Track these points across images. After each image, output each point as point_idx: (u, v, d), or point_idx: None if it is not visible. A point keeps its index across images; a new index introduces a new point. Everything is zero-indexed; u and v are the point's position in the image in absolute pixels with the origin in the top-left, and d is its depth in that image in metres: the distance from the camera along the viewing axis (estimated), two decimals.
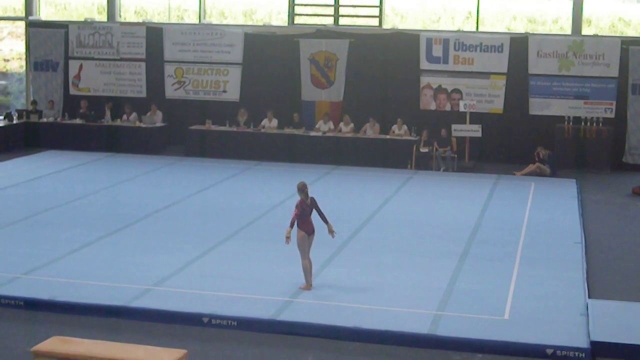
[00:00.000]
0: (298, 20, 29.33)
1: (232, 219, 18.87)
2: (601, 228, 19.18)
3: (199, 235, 17.42)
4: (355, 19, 29.32)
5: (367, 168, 25.59)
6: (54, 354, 9.45)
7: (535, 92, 27.02)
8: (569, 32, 27.66)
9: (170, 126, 28.63)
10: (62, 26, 30.47)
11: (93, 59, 30.13)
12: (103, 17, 30.82)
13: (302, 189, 14.28)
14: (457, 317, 12.84)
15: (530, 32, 27.70)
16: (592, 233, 18.53)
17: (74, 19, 31.01)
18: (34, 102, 29.80)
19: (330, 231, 14.45)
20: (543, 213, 20.25)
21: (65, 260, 15.37)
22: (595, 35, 27.35)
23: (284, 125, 27.60)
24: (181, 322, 12.69)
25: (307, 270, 14.12)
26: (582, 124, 26.47)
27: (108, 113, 28.85)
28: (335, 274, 14.96)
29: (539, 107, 27.02)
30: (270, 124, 27.60)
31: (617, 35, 27.97)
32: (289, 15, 29.25)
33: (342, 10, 29.44)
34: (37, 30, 30.76)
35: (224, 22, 30.30)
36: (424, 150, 25.99)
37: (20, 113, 29.23)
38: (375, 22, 28.81)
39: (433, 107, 27.73)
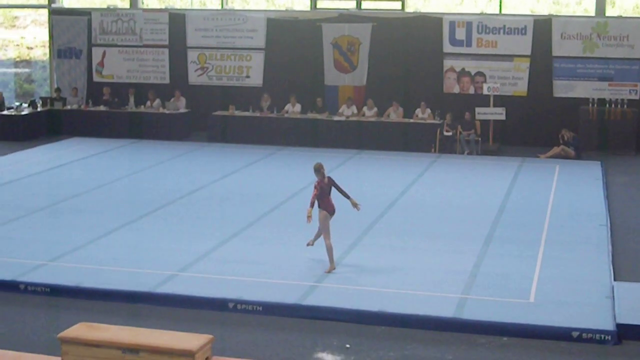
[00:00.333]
0: (320, 4, 29.27)
1: (256, 204, 18.89)
2: (626, 210, 19.07)
3: (224, 220, 17.45)
4: (377, 2, 29.20)
5: (390, 152, 25.55)
6: (81, 340, 9.49)
7: (559, 74, 26.88)
8: (592, 13, 27.46)
9: (194, 112, 28.66)
10: (85, 13, 30.54)
11: (116, 45, 30.19)
12: (126, 4, 30.85)
13: (318, 169, 14.42)
14: (483, 301, 12.81)
15: (554, 13, 27.53)
16: (617, 215, 18.44)
17: (97, 6, 31.06)
18: (58, 90, 29.91)
19: (354, 204, 14.61)
20: (568, 195, 20.17)
21: (90, 247, 15.43)
22: (620, 17, 27.13)
23: (307, 110, 27.58)
24: (206, 308, 12.72)
25: (331, 250, 14.18)
26: (607, 105, 26.32)
27: (131, 99, 28.92)
28: (359, 257, 14.96)
29: (563, 89, 26.88)
30: (293, 109, 27.58)
31: None
32: (311, 0, 29.18)
33: None
34: (60, 18, 30.83)
35: (246, 8, 30.27)
36: (447, 133, 25.92)
37: (44, 100, 29.33)
38: (397, 5, 28.68)
39: (456, 90, 27.64)
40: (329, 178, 14.53)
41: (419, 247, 15.72)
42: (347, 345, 11.42)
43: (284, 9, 29.90)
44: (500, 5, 27.96)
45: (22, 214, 17.78)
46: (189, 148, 26.09)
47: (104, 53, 30.35)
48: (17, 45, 35.60)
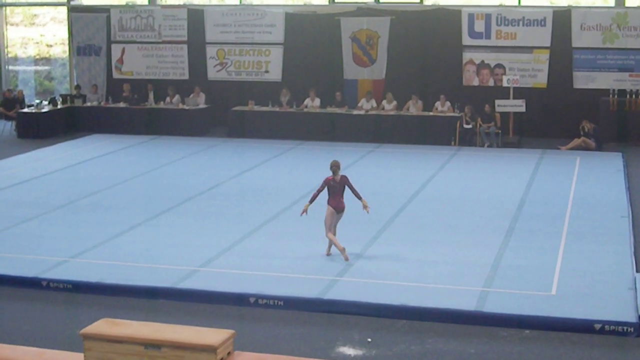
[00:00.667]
0: None
1: (276, 199, 18.89)
2: None
3: (244, 215, 17.46)
4: None
5: (410, 145, 25.51)
6: (103, 336, 9.52)
7: (579, 65, 26.78)
8: (612, 4, 27.34)
9: (213, 108, 28.69)
10: (103, 10, 30.63)
11: (135, 42, 30.27)
12: (144, 1, 30.91)
13: (331, 166, 14.74)
14: (504, 293, 12.78)
15: (573, 4, 27.41)
16: (639, 206, 18.35)
17: (116, 3, 31.09)
18: (78, 87, 30.00)
19: (365, 207, 14.76)
20: (589, 187, 20.09)
21: (111, 243, 15.48)
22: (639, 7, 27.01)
23: (326, 105, 27.58)
24: (228, 303, 12.74)
25: (333, 239, 14.46)
26: (627, 96, 26.20)
27: (151, 96, 28.98)
28: (380, 251, 14.94)
29: (583, 80, 26.78)
30: (312, 104, 27.58)
31: None
32: None
33: None
34: (79, 15, 30.94)
35: (265, 3, 30.25)
36: (467, 126, 25.86)
37: (64, 98, 29.44)
38: None
39: (476, 82, 27.59)
40: (343, 176, 14.71)
41: (440, 240, 15.69)
42: (369, 340, 11.42)
43: (302, 3, 29.86)
44: None
45: (43, 211, 17.85)
46: (208, 144, 26.12)
47: (123, 50, 30.43)
48: (37, 43, 35.70)
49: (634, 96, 26.11)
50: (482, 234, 16.06)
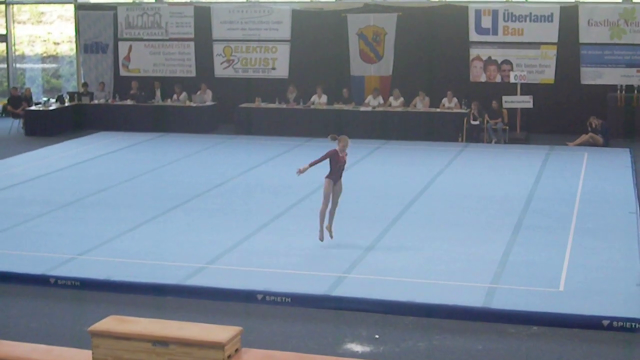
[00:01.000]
0: None
1: (284, 196, 18.89)
2: None
3: (251, 212, 17.46)
4: None
5: (417, 142, 25.51)
6: (111, 333, 9.52)
7: (586, 61, 26.74)
8: None
9: (220, 105, 28.73)
10: (110, 8, 30.67)
11: (142, 39, 30.30)
12: None
13: (339, 140, 15.07)
14: (512, 290, 12.76)
15: (580, 0, 27.36)
16: None
17: (123, 0, 31.12)
18: (85, 84, 30.05)
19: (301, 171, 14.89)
20: (597, 183, 20.06)
21: (118, 241, 15.49)
22: None
23: (333, 101, 27.58)
24: (235, 300, 12.74)
25: (322, 218, 14.73)
26: (635, 92, 26.18)
27: (158, 93, 29.01)
28: (388, 248, 14.93)
29: (590, 76, 26.75)
30: (319, 100, 27.58)
31: None
32: None
33: None
34: (86, 13, 30.98)
35: (271, 0, 30.26)
36: (474, 122, 25.84)
37: (71, 95, 29.50)
38: None
39: (483, 79, 27.57)
40: (345, 154, 15.02)
41: (447, 236, 15.67)
42: (376, 336, 11.41)
43: (308, 0, 29.87)
44: None
45: (50, 209, 17.87)
46: (215, 141, 26.14)
47: (130, 47, 30.47)
48: (44, 40, 35.78)
49: None
50: (490, 230, 16.05)
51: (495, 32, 27.29)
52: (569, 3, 27.06)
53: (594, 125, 25.21)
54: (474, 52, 27.56)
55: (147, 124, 28.00)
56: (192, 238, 15.62)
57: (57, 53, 35.99)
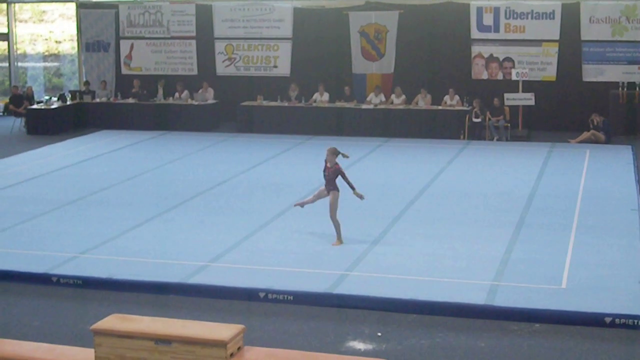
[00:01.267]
0: None
1: (286, 194, 18.89)
2: None
3: (253, 211, 17.46)
4: None
5: (419, 139, 25.50)
6: (114, 332, 9.53)
7: (588, 58, 26.74)
8: None
9: (222, 103, 28.73)
10: (112, 6, 30.68)
11: (144, 38, 30.32)
12: None
13: (331, 152, 15.09)
14: (514, 287, 12.76)
15: None
16: None
17: None
18: (87, 83, 30.06)
19: (358, 196, 15.08)
20: (599, 180, 20.05)
21: (120, 239, 15.50)
22: None
23: (335, 99, 27.57)
24: (237, 298, 12.74)
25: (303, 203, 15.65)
26: (637, 89, 26.15)
27: (160, 91, 29.02)
28: (390, 246, 14.93)
29: (592, 73, 26.74)
30: (321, 98, 27.58)
31: None
32: None
33: None
34: (87, 12, 30.99)
35: None
36: (476, 120, 25.83)
37: (73, 94, 29.50)
38: None
39: (485, 76, 27.56)
40: (337, 166, 15.05)
41: (449, 234, 15.67)
42: (379, 334, 11.42)
43: None
44: None
45: (52, 208, 17.88)
46: (217, 139, 26.15)
47: (132, 46, 30.48)
48: (46, 39, 35.78)
49: None
50: (492, 228, 16.04)
51: (496, 30, 27.28)
52: (571, 0, 27.02)
53: (595, 123, 25.20)
54: (475, 49, 27.56)
55: (149, 123, 28.00)
56: (194, 236, 15.63)
57: (58, 52, 35.98)
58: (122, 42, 30.60)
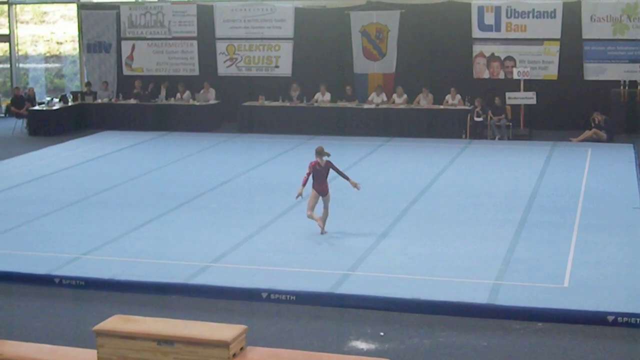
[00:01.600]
0: None
1: (288, 194, 18.86)
2: None
3: (255, 211, 17.46)
4: None
5: (421, 139, 25.50)
6: (116, 333, 9.53)
7: (589, 57, 26.73)
8: None
9: (223, 103, 28.73)
10: (113, 7, 30.69)
11: (145, 39, 30.33)
12: None
13: (319, 152, 15.45)
14: (516, 286, 12.76)
15: None
16: None
17: None
18: (88, 84, 30.07)
19: (354, 185, 15.55)
20: (601, 179, 20.05)
21: (122, 240, 15.50)
22: None
23: (336, 99, 27.57)
24: (240, 298, 12.74)
25: (312, 215, 15.50)
26: (638, 87, 26.13)
27: (163, 92, 29.01)
28: (392, 245, 14.93)
29: (593, 72, 26.73)
30: (323, 98, 27.58)
31: None
32: None
33: None
34: (88, 12, 31.00)
35: None
36: (478, 119, 25.82)
37: (74, 95, 29.53)
38: None
39: (486, 75, 27.56)
40: (328, 162, 15.39)
41: (452, 233, 15.66)
42: (381, 333, 11.42)
43: None
44: None
45: (54, 209, 17.89)
46: (219, 139, 26.16)
47: (133, 46, 30.49)
48: (47, 40, 35.83)
49: None
50: (494, 227, 16.04)
51: (498, 29, 27.27)
52: None
53: (597, 121, 25.19)
54: (477, 48, 27.55)
55: (150, 123, 28.01)
56: (196, 237, 15.63)
57: (60, 53, 36.03)
58: (123, 42, 30.61)
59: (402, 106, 26.76)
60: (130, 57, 30.59)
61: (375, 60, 28.31)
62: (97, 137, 26.92)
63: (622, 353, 10.75)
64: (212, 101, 28.53)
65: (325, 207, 15.54)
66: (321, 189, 15.35)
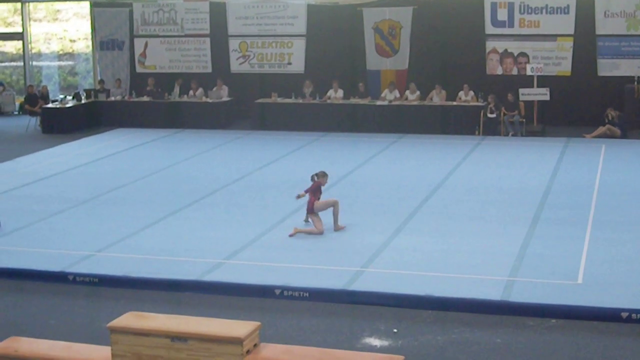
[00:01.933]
0: None
1: (301, 191, 18.82)
2: None
3: (268, 208, 17.47)
4: None
5: (434, 135, 25.47)
6: (130, 330, 9.55)
7: (603, 52, 26.64)
8: None
9: (236, 100, 28.75)
10: (126, 5, 30.72)
11: (158, 36, 30.37)
12: None
13: (321, 175, 15.97)
14: (530, 283, 12.73)
15: None
16: None
17: None
18: (101, 82, 30.12)
19: (301, 196, 16.14)
20: (615, 175, 19.98)
21: (136, 237, 15.53)
22: None
23: (349, 96, 27.56)
24: (253, 295, 12.75)
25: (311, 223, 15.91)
26: None
27: (177, 89, 29.03)
28: (405, 242, 14.92)
29: (607, 68, 26.64)
30: (335, 95, 27.57)
31: None
32: None
33: None
34: (101, 10, 31.05)
35: None
36: (491, 115, 25.76)
37: (88, 93, 29.57)
38: None
39: (500, 71, 27.50)
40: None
41: (465, 230, 15.64)
42: (395, 330, 11.41)
43: None
44: None
45: (68, 206, 17.93)
46: (231, 136, 26.17)
47: (146, 44, 30.54)
48: (60, 38, 35.88)
49: None
50: (507, 224, 16.01)
51: (511, 25, 27.21)
52: None
53: (611, 117, 25.11)
54: (490, 44, 27.50)
55: (163, 121, 28.05)
56: (209, 234, 15.65)
57: (73, 50, 36.08)
58: (136, 40, 30.67)
59: (415, 103, 26.73)
60: (143, 55, 30.64)
61: (387, 57, 28.29)
62: (110, 135, 26.96)
63: (636, 350, 10.72)
64: (225, 98, 28.55)
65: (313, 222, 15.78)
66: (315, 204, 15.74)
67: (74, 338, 10.84)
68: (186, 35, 30.14)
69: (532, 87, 26.15)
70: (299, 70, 29.09)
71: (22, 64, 33.81)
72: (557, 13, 26.80)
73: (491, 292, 12.32)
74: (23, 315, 12.35)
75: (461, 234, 15.39)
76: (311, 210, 15.63)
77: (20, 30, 33.35)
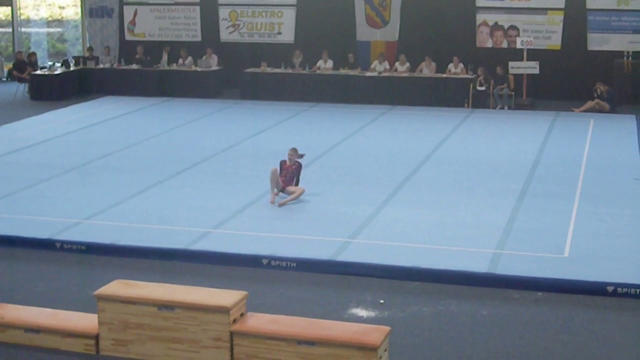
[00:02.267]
0: None
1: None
2: None
3: (257, 177, 17.42)
4: None
5: (423, 107, 25.44)
6: (117, 297, 9.58)
7: (593, 27, 26.61)
8: None
9: (226, 69, 28.65)
10: None
11: (147, 4, 30.21)
12: None
13: (295, 152, 15.74)
14: (517, 256, 12.78)
15: None
16: None
17: None
18: (90, 49, 29.98)
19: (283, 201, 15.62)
20: (602, 149, 20.03)
21: (124, 205, 15.51)
22: None
23: (339, 66, 27.50)
24: (240, 264, 12.77)
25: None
26: None
27: (165, 57, 28.91)
28: (393, 213, 14.94)
29: (597, 42, 26.62)
30: (325, 65, 27.51)
31: None
32: None
33: None
34: None
35: None
36: (480, 88, 25.75)
37: (76, 60, 29.44)
38: None
39: (490, 44, 27.46)
40: (297, 163, 15.71)
41: (453, 202, 15.67)
42: (381, 301, 11.44)
43: None
44: None
45: (56, 173, 17.89)
46: (221, 106, 26.11)
47: (136, 11, 30.38)
48: (49, 4, 35.68)
49: None
50: (495, 196, 16.04)
51: None
52: None
53: (600, 92, 25.12)
54: (480, 17, 27.44)
55: (152, 89, 27.95)
56: (198, 203, 15.64)
57: (62, 17, 35.90)
58: (125, 7, 30.51)
59: (405, 74, 26.70)
60: (133, 22, 30.49)
61: (378, 28, 28.20)
62: (99, 102, 26.87)
63: (622, 323, 10.78)
64: (215, 67, 28.46)
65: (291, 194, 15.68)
66: (284, 184, 15.65)
67: (61, 305, 10.86)
68: (176, 4, 29.99)
69: (522, 60, 26.12)
70: (289, 40, 29.01)
71: (10, 30, 33.64)
72: None
73: (478, 265, 12.36)
74: (10, 282, 12.34)
75: (449, 206, 15.42)
76: (284, 189, 15.62)
77: None
